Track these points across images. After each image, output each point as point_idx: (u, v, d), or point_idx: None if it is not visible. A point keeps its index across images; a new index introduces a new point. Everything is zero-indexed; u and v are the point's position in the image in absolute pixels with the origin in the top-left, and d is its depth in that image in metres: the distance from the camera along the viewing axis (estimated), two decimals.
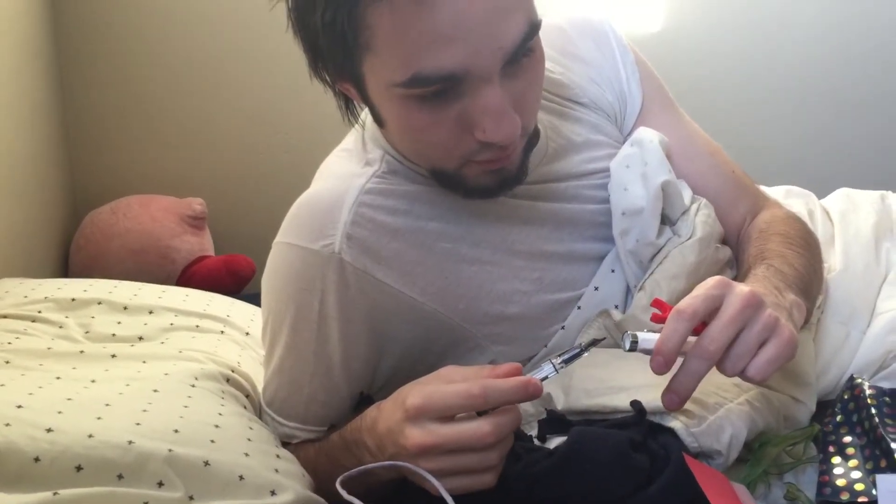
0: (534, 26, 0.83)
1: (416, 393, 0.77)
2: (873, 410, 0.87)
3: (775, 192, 1.23)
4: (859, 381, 0.93)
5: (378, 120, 0.92)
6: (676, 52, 2.12)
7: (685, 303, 0.75)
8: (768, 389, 0.88)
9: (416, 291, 0.94)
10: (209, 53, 2.05)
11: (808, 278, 0.93)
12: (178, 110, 2.09)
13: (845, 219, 1.17)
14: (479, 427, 0.74)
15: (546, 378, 0.78)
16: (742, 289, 0.76)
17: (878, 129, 2.22)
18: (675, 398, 0.77)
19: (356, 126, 1.00)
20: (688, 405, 0.81)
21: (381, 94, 0.86)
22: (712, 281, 0.77)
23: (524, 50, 0.83)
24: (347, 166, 0.99)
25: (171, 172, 2.12)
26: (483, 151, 0.87)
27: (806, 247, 0.98)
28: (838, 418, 0.91)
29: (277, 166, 2.12)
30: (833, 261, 1.10)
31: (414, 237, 0.94)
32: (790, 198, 1.25)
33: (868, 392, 0.90)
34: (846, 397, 0.92)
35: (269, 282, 0.96)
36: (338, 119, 0.99)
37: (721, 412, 0.82)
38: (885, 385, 0.92)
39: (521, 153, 0.91)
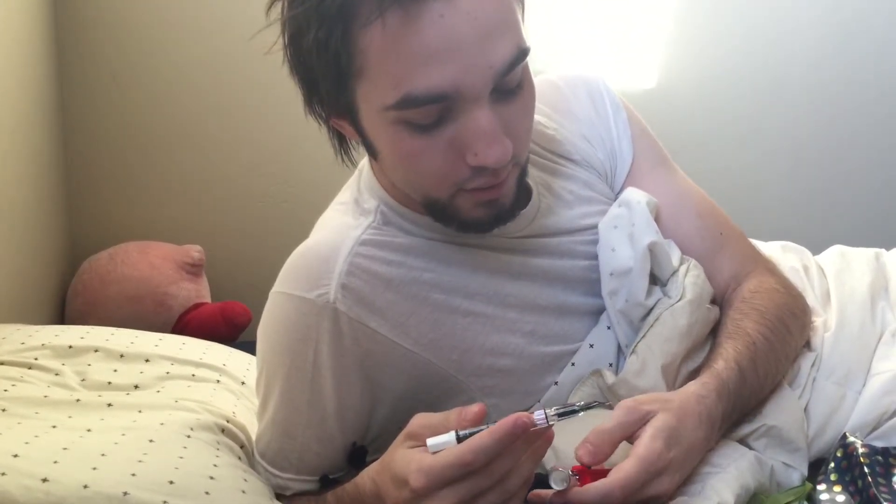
0: (522, 51, 0.84)
1: (416, 473, 0.74)
2: (866, 469, 0.87)
3: (771, 248, 1.22)
4: (852, 439, 0.93)
5: (372, 152, 0.92)
6: (671, 109, 2.14)
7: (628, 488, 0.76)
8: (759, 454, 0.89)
9: (410, 342, 0.95)
10: (209, 102, 2.07)
11: (766, 374, 0.94)
12: (178, 158, 2.10)
13: (840, 277, 1.16)
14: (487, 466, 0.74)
15: (535, 426, 0.77)
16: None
17: (872, 189, 2.24)
18: None
19: (354, 173, 1.01)
20: None
21: (375, 122, 0.87)
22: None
23: (515, 77, 0.85)
24: (343, 218, 1.00)
25: (169, 219, 2.13)
26: (475, 177, 0.87)
27: (781, 327, 0.98)
28: (832, 476, 0.91)
29: (276, 215, 2.13)
30: (829, 318, 1.09)
31: (408, 288, 0.95)
32: (786, 252, 1.23)
33: (861, 451, 0.90)
34: (839, 455, 0.92)
35: (264, 331, 0.97)
36: (336, 170, 1.00)
37: (708, 481, 0.82)
38: (878, 444, 0.92)
39: (514, 188, 0.91)
